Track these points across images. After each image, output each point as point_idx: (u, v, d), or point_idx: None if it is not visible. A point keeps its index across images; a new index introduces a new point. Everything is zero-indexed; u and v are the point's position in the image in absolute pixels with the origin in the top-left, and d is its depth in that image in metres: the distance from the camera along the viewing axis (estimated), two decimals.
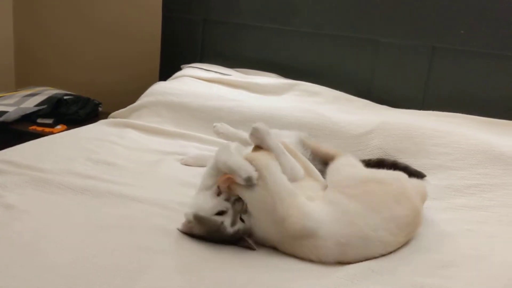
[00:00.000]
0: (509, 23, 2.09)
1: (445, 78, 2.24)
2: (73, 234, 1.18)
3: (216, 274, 1.08)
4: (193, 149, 1.83)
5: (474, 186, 1.62)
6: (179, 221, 1.27)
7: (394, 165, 1.65)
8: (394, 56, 2.29)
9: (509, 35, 2.10)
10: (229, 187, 1.18)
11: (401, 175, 1.36)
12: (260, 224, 1.18)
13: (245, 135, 1.49)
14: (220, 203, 1.18)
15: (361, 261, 1.15)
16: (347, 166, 1.38)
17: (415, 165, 1.72)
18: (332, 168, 1.37)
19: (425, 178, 1.67)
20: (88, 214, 1.28)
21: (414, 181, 1.44)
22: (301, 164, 1.35)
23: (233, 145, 1.38)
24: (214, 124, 1.70)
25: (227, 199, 1.18)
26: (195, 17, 2.57)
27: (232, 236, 1.16)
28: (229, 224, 1.15)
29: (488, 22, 2.12)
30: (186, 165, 1.71)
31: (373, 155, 1.81)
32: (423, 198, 1.36)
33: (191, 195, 1.33)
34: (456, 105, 2.10)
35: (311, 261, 1.15)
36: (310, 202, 1.21)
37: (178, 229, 1.22)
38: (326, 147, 1.57)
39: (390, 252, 1.19)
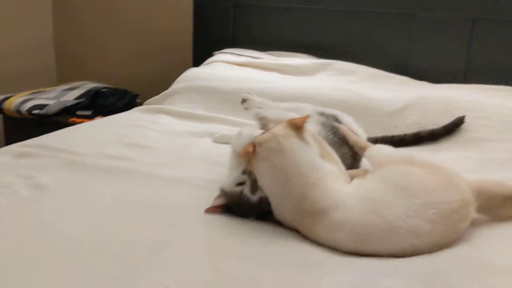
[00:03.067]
0: None
1: (487, 51, 2.14)
2: (99, 211, 1.18)
3: (243, 250, 1.04)
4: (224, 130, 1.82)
5: None
6: (207, 198, 1.26)
7: (432, 135, 1.60)
8: (432, 31, 2.20)
9: None
10: (249, 160, 1.12)
11: (450, 167, 1.15)
12: (275, 202, 1.11)
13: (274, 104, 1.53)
14: (239, 176, 1.16)
15: (386, 254, 1.00)
16: (384, 150, 1.25)
17: (453, 139, 1.65)
18: (368, 156, 1.25)
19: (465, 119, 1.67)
20: (117, 193, 1.28)
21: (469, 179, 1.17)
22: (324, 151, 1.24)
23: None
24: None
25: (244, 172, 1.15)
26: (226, 2, 2.55)
27: (258, 206, 1.13)
28: (249, 192, 1.12)
29: None
30: (216, 142, 1.71)
31: (409, 131, 1.74)
32: (480, 195, 1.09)
33: (222, 173, 1.31)
34: (500, 78, 2.00)
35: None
36: (339, 183, 1.11)
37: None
38: (356, 138, 1.38)
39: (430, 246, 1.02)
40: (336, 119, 1.48)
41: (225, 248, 1.06)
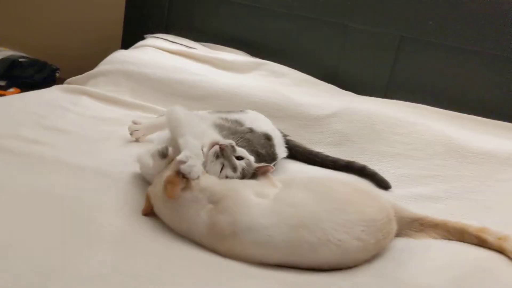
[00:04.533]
0: (477, 18, 2.09)
1: (410, 68, 2.24)
2: (13, 201, 1.10)
3: (165, 253, 1.03)
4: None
5: (430, 176, 1.63)
6: (128, 193, 1.22)
7: (362, 170, 1.63)
8: (362, 43, 2.27)
9: (476, 30, 2.11)
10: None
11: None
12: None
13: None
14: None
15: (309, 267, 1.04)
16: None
17: (373, 151, 1.73)
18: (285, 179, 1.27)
19: (390, 189, 1.57)
20: (32, 182, 1.20)
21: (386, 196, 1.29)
22: None
23: None
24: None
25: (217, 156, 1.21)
26: None
27: (243, 176, 1.22)
28: (231, 172, 1.20)
29: (457, 16, 2.12)
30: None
31: (334, 139, 1.80)
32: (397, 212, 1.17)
33: None
34: (419, 95, 2.11)
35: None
36: (256, 198, 1.10)
37: None
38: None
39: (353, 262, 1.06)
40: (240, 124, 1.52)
41: (147, 250, 1.03)
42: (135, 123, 1.62)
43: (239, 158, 1.23)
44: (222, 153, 1.19)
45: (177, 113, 1.25)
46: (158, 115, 1.79)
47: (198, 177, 1.08)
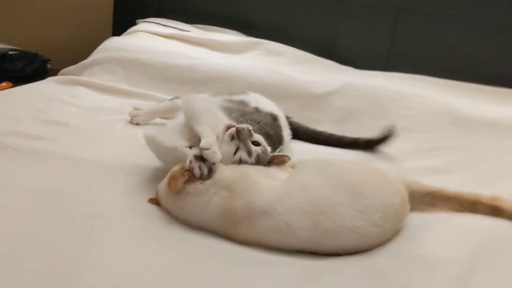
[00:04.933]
0: None
1: (409, 39, 2.20)
2: (19, 199, 1.08)
3: (175, 243, 1.02)
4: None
5: (438, 149, 1.61)
6: (135, 185, 1.20)
7: (368, 144, 1.60)
8: (359, 15, 2.23)
9: None
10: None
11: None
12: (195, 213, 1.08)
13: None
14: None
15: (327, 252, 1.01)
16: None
17: (378, 126, 1.69)
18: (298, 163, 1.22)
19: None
20: (37, 178, 1.18)
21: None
22: None
23: None
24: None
25: (233, 137, 1.17)
26: None
27: (258, 163, 1.17)
28: (247, 156, 1.16)
29: None
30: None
31: (337, 116, 1.78)
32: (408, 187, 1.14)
33: (149, 157, 1.27)
34: (420, 67, 2.08)
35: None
36: (268, 181, 1.08)
37: None
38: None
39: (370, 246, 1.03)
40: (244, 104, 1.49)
41: (157, 242, 1.01)
42: (136, 109, 1.62)
43: (255, 143, 1.19)
44: (238, 136, 1.16)
45: (194, 102, 1.26)
46: (156, 102, 1.76)
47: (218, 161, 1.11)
